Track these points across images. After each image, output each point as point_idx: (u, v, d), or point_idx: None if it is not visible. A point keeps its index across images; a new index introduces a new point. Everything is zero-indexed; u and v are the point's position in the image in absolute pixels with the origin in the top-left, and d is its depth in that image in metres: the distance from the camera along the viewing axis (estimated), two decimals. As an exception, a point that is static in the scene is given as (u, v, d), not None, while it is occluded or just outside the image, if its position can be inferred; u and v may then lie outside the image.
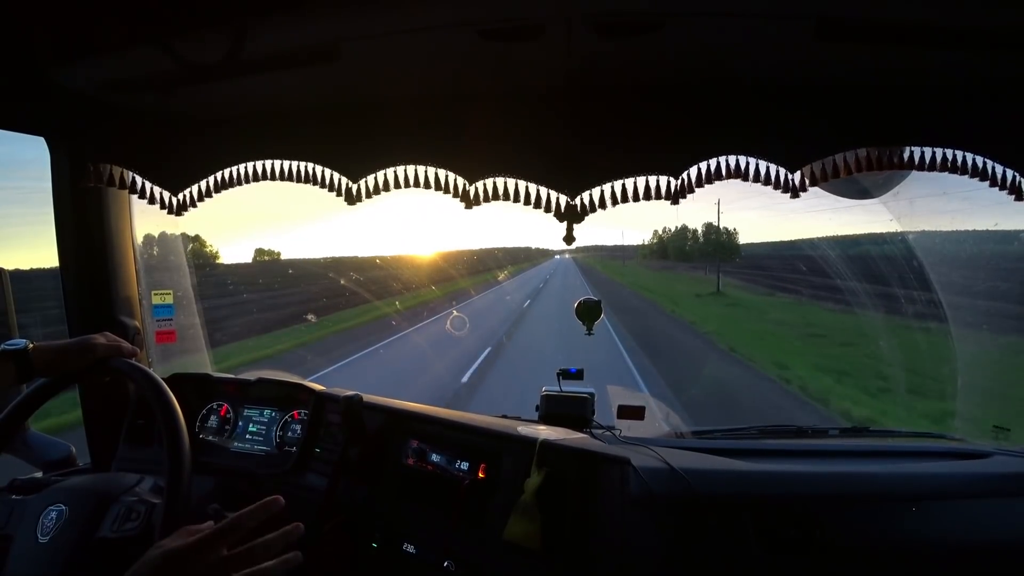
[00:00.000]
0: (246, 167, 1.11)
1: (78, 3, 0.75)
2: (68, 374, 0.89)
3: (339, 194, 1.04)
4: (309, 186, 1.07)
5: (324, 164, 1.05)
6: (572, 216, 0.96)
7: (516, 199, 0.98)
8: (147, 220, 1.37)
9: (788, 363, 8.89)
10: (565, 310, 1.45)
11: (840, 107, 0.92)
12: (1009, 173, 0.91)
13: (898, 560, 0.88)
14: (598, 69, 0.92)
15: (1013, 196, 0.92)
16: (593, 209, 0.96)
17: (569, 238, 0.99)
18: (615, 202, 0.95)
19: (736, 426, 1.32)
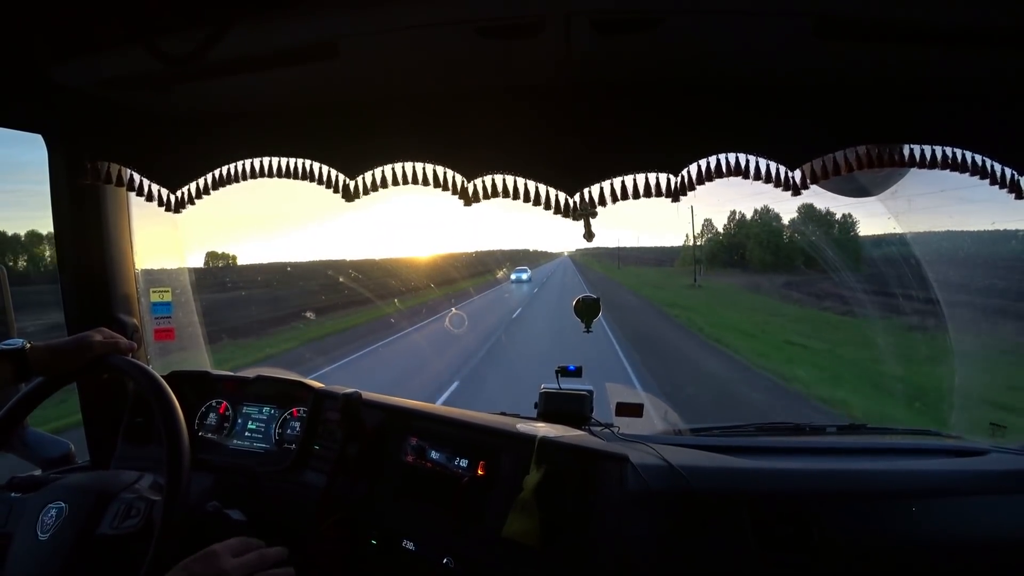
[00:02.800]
0: (244, 164, 1.11)
1: (76, 1, 0.74)
2: (66, 373, 0.89)
3: (336, 191, 1.04)
4: (301, 188, 1.07)
5: (322, 161, 1.05)
6: (582, 213, 0.95)
7: (515, 196, 0.98)
8: (145, 219, 1.37)
9: None
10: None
11: (839, 105, 0.92)
12: (1008, 171, 0.91)
13: (895, 557, 0.89)
14: (597, 66, 0.92)
15: (1013, 194, 0.93)
16: (593, 206, 0.96)
17: (589, 235, 0.96)
18: (615, 199, 0.95)
19: (734, 423, 1.32)
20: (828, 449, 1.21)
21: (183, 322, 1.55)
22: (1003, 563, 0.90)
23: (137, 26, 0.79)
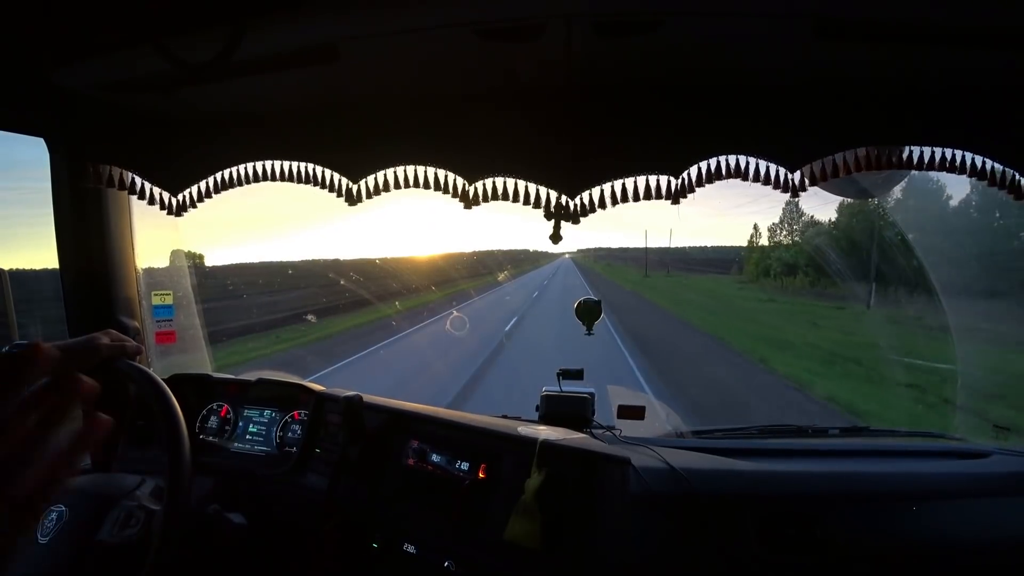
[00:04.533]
0: (246, 168, 1.11)
1: (78, 5, 0.75)
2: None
3: (339, 195, 1.04)
4: (299, 189, 1.07)
5: (324, 165, 1.05)
6: (565, 216, 0.96)
7: (515, 199, 0.98)
8: (146, 220, 1.37)
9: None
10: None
11: (839, 106, 0.92)
12: (1008, 172, 0.91)
13: (898, 559, 0.88)
14: (598, 69, 0.92)
15: (1012, 196, 0.93)
16: (592, 209, 0.96)
17: (556, 237, 0.97)
18: (615, 202, 0.95)
19: (736, 425, 1.32)
20: (831, 451, 1.21)
21: (184, 324, 1.55)
22: (1006, 565, 0.89)
23: (139, 30, 0.79)
